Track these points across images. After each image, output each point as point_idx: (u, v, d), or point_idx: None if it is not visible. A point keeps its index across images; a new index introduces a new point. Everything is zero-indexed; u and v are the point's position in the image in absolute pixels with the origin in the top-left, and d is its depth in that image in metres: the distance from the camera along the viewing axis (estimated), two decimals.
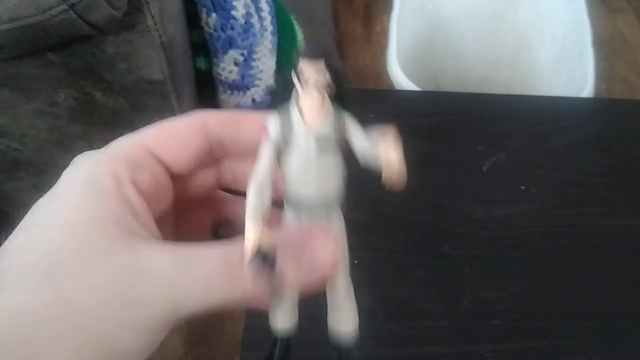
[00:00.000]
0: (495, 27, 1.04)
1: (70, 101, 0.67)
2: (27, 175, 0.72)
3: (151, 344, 0.21)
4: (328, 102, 0.22)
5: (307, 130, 0.21)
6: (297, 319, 0.24)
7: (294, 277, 0.22)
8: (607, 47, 1.40)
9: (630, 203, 0.47)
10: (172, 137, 0.24)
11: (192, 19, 0.76)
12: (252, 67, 0.81)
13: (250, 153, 0.24)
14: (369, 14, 1.55)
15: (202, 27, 0.76)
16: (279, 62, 0.87)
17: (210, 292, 0.21)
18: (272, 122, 0.22)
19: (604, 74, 1.02)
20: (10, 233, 0.22)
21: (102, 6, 0.58)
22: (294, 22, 0.92)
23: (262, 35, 0.81)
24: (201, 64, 0.81)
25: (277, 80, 0.22)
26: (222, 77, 0.80)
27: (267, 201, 0.21)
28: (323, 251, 0.22)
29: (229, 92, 0.82)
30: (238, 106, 0.83)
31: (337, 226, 0.23)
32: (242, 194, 0.23)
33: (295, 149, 0.22)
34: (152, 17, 0.64)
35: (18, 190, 0.74)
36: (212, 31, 0.76)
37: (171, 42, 0.69)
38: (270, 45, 0.84)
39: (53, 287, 0.20)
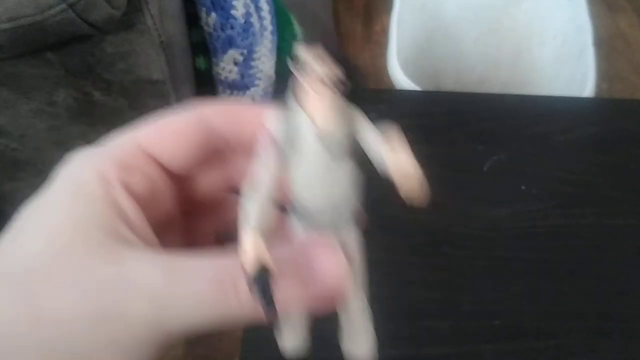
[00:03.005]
0: (495, 27, 1.04)
1: (69, 101, 0.67)
2: (26, 175, 0.72)
3: None
4: (340, 101, 0.19)
5: (315, 134, 0.19)
6: (308, 338, 0.22)
7: (294, 297, 0.19)
8: (607, 47, 1.40)
9: (630, 203, 0.47)
10: (168, 135, 0.22)
11: (192, 19, 0.76)
12: (251, 67, 0.81)
13: (254, 150, 0.21)
14: (369, 14, 1.55)
15: (201, 27, 0.76)
16: (278, 62, 0.87)
17: (200, 309, 0.19)
18: (273, 120, 0.19)
19: (604, 74, 1.02)
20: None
21: (101, 6, 0.58)
22: (294, 22, 0.92)
23: (261, 35, 0.81)
24: (201, 63, 0.81)
25: (280, 70, 0.19)
26: (222, 77, 0.80)
27: (269, 213, 0.19)
28: (328, 267, 0.19)
29: (228, 91, 0.82)
30: None
31: (349, 240, 0.21)
32: None
33: (301, 154, 0.19)
34: (152, 17, 0.64)
35: (17, 190, 0.74)
36: (211, 31, 0.76)
37: (171, 41, 0.69)
38: (269, 45, 0.84)
39: (26, 298, 0.18)
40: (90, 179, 0.21)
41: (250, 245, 0.18)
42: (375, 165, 0.19)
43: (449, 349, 0.39)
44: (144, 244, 0.20)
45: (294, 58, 0.18)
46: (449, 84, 1.06)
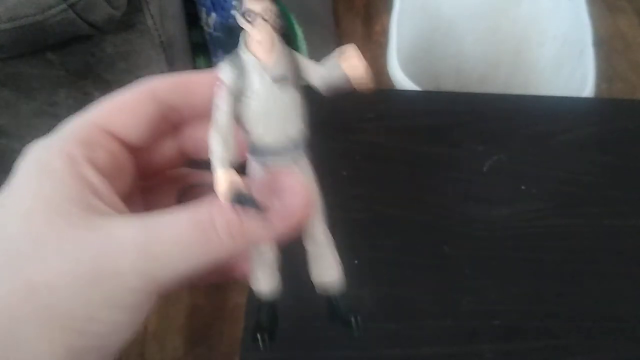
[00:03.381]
0: (495, 26, 1.04)
1: (69, 101, 0.67)
2: None
3: (131, 322, 0.20)
4: (278, 38, 0.21)
5: (263, 70, 0.21)
6: (280, 281, 0.24)
7: (267, 224, 0.21)
8: (607, 47, 1.40)
9: (630, 203, 0.47)
10: (121, 110, 0.23)
11: (192, 19, 0.76)
12: None
13: (207, 116, 0.23)
14: (369, 14, 1.54)
15: (201, 27, 0.76)
16: None
17: (185, 255, 0.20)
18: (224, 69, 0.21)
19: (604, 74, 1.02)
20: None
21: (101, 6, 0.58)
22: (294, 22, 0.92)
23: None
24: (201, 63, 0.81)
25: (221, 30, 0.22)
26: None
27: (233, 148, 0.21)
28: (294, 193, 0.21)
29: None
30: None
31: (305, 169, 0.23)
32: (206, 163, 0.22)
33: (253, 92, 0.21)
34: (152, 17, 0.64)
35: None
36: (211, 31, 0.76)
37: (171, 41, 0.69)
38: None
39: (14, 275, 0.19)
40: (54, 159, 0.21)
41: (223, 174, 0.20)
42: (320, 86, 0.22)
43: (449, 349, 0.39)
44: (117, 212, 0.21)
45: (239, 7, 0.20)
46: (449, 84, 1.06)
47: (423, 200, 0.46)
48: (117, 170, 0.23)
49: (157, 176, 0.26)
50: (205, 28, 0.76)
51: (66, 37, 0.60)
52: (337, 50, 0.22)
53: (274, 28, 0.21)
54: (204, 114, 0.23)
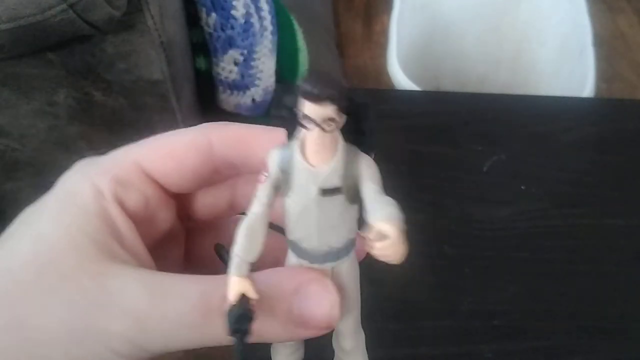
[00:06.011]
0: (495, 26, 1.04)
1: (69, 101, 0.66)
2: (26, 176, 0.72)
3: None
4: (339, 142, 0.18)
5: (311, 178, 0.18)
6: (303, 355, 0.22)
7: (280, 331, 0.19)
8: (607, 47, 1.40)
9: (630, 203, 0.47)
10: (166, 156, 0.22)
11: (192, 19, 0.76)
12: (251, 67, 0.81)
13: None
14: (369, 14, 1.54)
15: (201, 27, 0.76)
16: (278, 62, 0.87)
17: (183, 332, 0.19)
18: (272, 156, 0.19)
19: (604, 74, 1.02)
20: None
21: (101, 6, 0.58)
22: (294, 22, 0.92)
23: (261, 35, 0.81)
24: (201, 63, 0.81)
25: (279, 97, 0.18)
26: (222, 77, 0.80)
27: (258, 248, 0.18)
28: (317, 303, 0.19)
29: (228, 91, 0.81)
30: (238, 105, 0.83)
31: (345, 272, 0.20)
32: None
33: (295, 192, 0.18)
34: (152, 17, 0.64)
35: (17, 190, 0.74)
36: (211, 31, 0.76)
37: (171, 41, 0.69)
38: (270, 45, 0.84)
39: (9, 307, 0.18)
40: (83, 190, 0.20)
41: (235, 283, 0.17)
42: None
43: (449, 349, 0.39)
44: (135, 261, 0.20)
45: (298, 94, 0.17)
46: (449, 84, 1.06)
47: (423, 200, 0.46)
48: (149, 214, 0.22)
49: (205, 222, 0.25)
50: (205, 28, 0.76)
51: (66, 37, 0.60)
52: (385, 215, 0.17)
53: (332, 130, 0.17)
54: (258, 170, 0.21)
